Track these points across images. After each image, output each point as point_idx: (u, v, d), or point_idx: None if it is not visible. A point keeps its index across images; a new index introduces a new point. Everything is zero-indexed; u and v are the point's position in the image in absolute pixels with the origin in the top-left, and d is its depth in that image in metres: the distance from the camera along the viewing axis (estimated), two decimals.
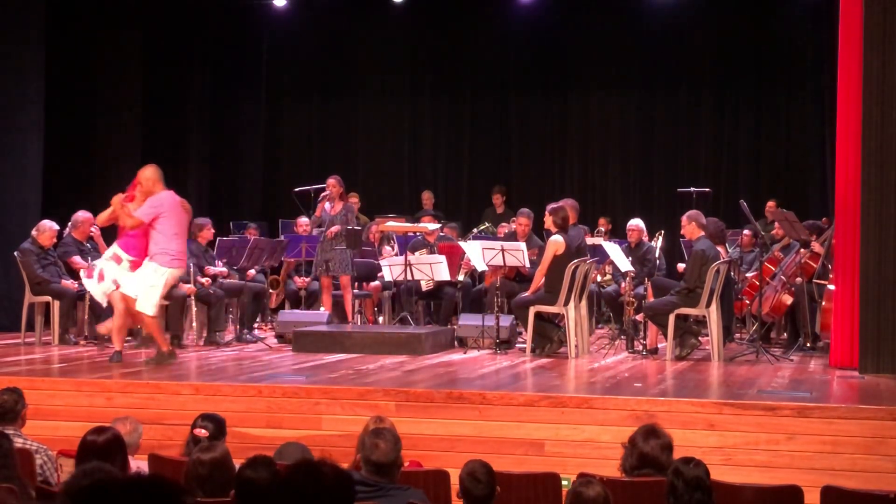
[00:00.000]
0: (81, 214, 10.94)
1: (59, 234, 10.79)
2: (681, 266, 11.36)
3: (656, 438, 4.96)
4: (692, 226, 9.86)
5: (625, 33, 15.58)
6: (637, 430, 5.06)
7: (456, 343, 10.49)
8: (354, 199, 13.93)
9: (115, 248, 9.12)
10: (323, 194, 11.48)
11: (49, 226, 10.66)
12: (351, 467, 4.88)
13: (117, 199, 9.01)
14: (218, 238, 11.50)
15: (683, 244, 12.27)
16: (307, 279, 12.11)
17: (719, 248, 10.14)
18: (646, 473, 4.87)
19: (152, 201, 8.91)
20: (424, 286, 11.39)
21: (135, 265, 8.94)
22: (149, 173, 9.07)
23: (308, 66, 16.50)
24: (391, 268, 11.01)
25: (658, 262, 11.64)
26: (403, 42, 16.28)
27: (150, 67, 14.21)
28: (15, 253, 10.82)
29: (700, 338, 9.85)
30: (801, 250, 10.42)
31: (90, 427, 4.98)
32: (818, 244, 10.24)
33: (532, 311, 9.69)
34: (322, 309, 11.45)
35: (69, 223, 10.95)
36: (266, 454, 4.43)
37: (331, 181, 11.48)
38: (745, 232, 11.66)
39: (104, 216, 9.27)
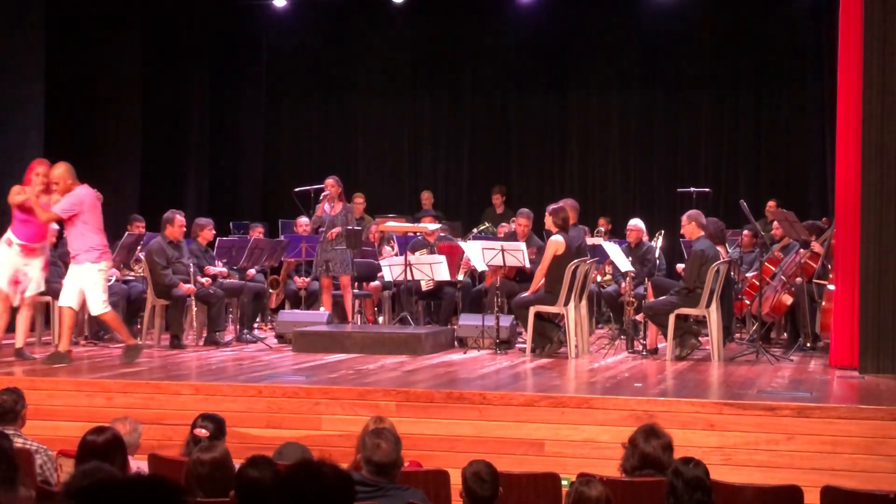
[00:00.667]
0: None
1: (59, 234, 10.78)
2: (680, 267, 11.36)
3: (657, 438, 4.96)
4: (692, 225, 9.85)
5: (625, 33, 15.59)
6: (637, 431, 5.05)
7: (456, 343, 10.49)
8: (359, 200, 13.97)
9: (8, 234, 9.03)
10: (323, 194, 11.48)
11: (49, 226, 10.65)
12: (351, 467, 4.88)
13: (32, 190, 8.91)
14: (218, 238, 11.50)
15: (683, 244, 12.27)
16: (307, 279, 12.12)
17: (719, 248, 10.14)
18: (647, 474, 4.86)
19: (71, 198, 8.83)
20: (424, 286, 11.38)
21: (25, 249, 8.90)
22: (61, 172, 8.92)
23: (308, 66, 16.50)
24: (391, 268, 11.01)
25: (658, 262, 11.64)
26: (403, 42, 16.28)
27: (150, 67, 14.22)
28: None
29: (700, 338, 9.85)
30: (801, 250, 10.42)
31: (90, 427, 4.97)
32: (818, 244, 10.24)
33: (532, 311, 9.69)
34: (322, 309, 11.45)
35: None
36: (266, 454, 4.43)
37: (329, 181, 11.48)
38: (745, 232, 11.66)
39: (17, 199, 9.02)
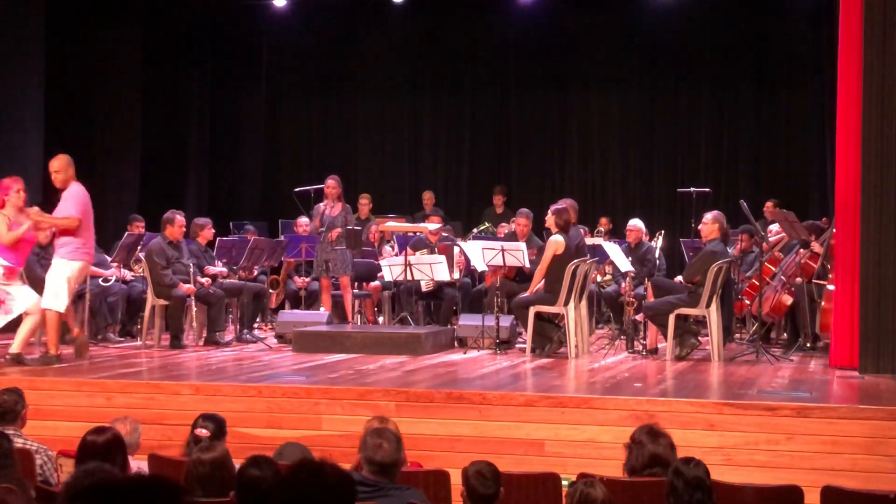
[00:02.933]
0: None
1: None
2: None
3: (664, 437, 4.97)
4: (715, 227, 9.73)
5: (625, 33, 15.59)
6: (639, 431, 5.04)
7: (456, 343, 10.49)
8: (364, 201, 14.00)
9: None
10: (322, 204, 11.43)
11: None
12: (353, 467, 4.87)
13: (13, 212, 8.74)
14: (218, 238, 11.50)
15: (684, 244, 12.27)
16: (307, 279, 12.11)
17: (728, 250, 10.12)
18: (654, 473, 4.85)
19: (77, 198, 8.81)
20: (424, 286, 11.38)
21: (9, 272, 8.70)
22: (62, 164, 8.88)
23: (308, 65, 16.51)
24: (391, 268, 11.01)
25: (658, 262, 11.65)
26: (403, 42, 16.28)
27: (150, 67, 14.23)
28: None
29: (700, 338, 9.85)
30: (801, 250, 10.41)
31: (90, 427, 4.97)
32: (818, 244, 10.23)
33: (532, 311, 9.69)
34: (322, 309, 11.45)
35: None
36: (266, 454, 4.43)
37: (330, 182, 11.46)
38: (742, 235, 11.60)
39: (17, 234, 8.72)
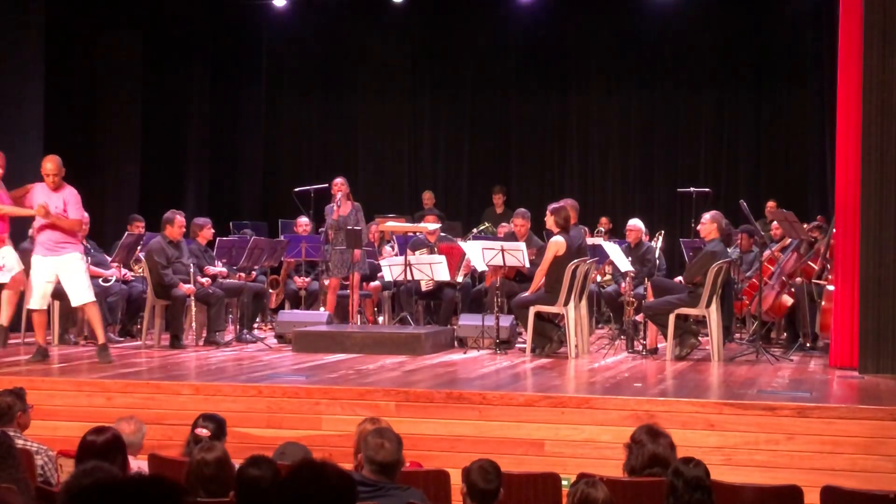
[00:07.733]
0: None
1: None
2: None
3: (664, 437, 4.97)
4: (713, 226, 9.73)
5: (625, 33, 15.59)
6: (639, 431, 5.04)
7: (456, 343, 10.49)
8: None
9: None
10: (336, 200, 11.37)
11: None
12: (355, 468, 4.87)
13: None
14: (218, 238, 11.49)
15: (684, 244, 12.27)
16: (307, 279, 12.11)
17: (728, 251, 10.12)
18: (655, 473, 4.85)
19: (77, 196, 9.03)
20: (424, 286, 11.38)
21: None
22: (58, 165, 9.01)
23: (308, 65, 16.51)
24: (391, 268, 11.01)
25: (658, 262, 11.65)
26: (403, 42, 16.29)
27: (150, 67, 14.22)
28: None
29: (700, 338, 9.85)
30: (800, 251, 10.42)
31: (90, 427, 4.97)
32: (816, 232, 10.31)
33: (532, 311, 9.69)
34: (322, 309, 11.44)
35: None
36: (266, 454, 4.42)
37: (339, 180, 11.42)
38: (741, 234, 11.61)
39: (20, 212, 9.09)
